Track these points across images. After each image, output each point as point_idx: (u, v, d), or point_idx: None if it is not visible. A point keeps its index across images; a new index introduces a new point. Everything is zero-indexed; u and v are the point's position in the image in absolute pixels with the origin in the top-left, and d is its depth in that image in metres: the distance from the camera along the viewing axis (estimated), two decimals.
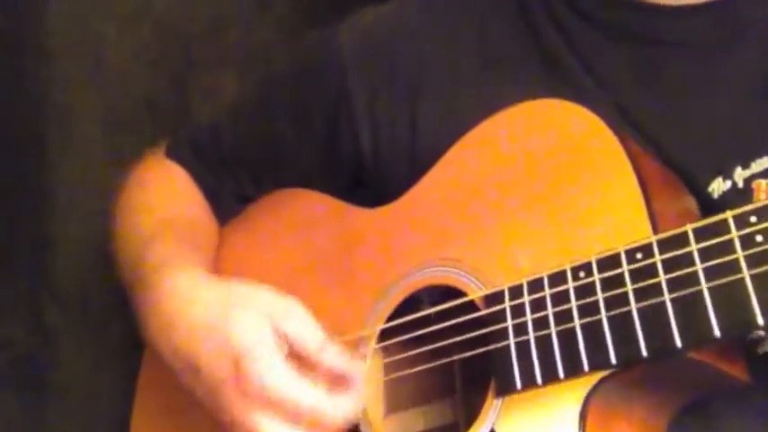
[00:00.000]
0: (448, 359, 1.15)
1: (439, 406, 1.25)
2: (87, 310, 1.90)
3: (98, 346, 1.89)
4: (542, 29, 1.25)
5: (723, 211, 0.99)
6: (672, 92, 1.17)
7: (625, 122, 1.17)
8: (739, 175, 1.11)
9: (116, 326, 1.87)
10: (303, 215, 1.38)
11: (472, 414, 1.10)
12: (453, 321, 1.13)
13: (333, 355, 1.10)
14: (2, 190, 1.87)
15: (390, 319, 1.21)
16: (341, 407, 1.09)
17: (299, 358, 1.10)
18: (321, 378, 1.09)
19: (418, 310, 1.19)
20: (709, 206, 1.11)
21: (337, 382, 1.10)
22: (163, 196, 1.46)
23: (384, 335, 1.21)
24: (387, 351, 1.23)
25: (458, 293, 1.14)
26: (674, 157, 1.14)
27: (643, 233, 1.00)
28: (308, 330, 1.10)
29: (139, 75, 1.95)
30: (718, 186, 1.12)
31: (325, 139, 1.38)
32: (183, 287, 1.20)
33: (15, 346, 1.86)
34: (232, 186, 1.47)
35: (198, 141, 1.50)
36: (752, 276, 0.91)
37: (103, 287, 1.87)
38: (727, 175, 1.12)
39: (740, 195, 1.11)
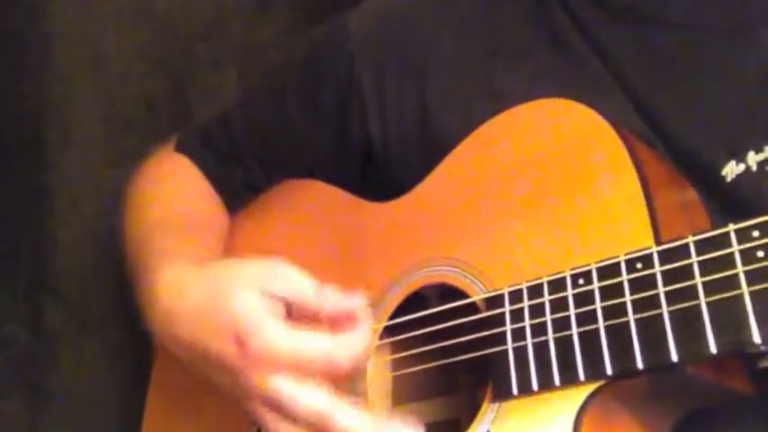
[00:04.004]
0: (451, 359, 1.15)
1: (444, 400, 1.25)
2: (87, 310, 1.89)
3: (98, 346, 1.89)
4: (554, 14, 1.25)
5: (737, 195, 1.01)
6: (683, 75, 1.17)
7: (635, 108, 1.17)
8: (752, 158, 1.10)
9: (116, 326, 1.87)
10: (313, 208, 1.39)
11: (474, 411, 1.10)
12: (454, 323, 1.13)
13: (332, 298, 1.09)
14: (2, 190, 1.87)
15: (396, 314, 1.21)
16: (352, 344, 1.07)
17: (296, 318, 1.09)
18: (324, 327, 1.08)
19: (424, 306, 1.19)
20: (723, 191, 1.11)
21: (341, 325, 1.09)
22: (171, 191, 1.46)
23: (390, 331, 1.22)
24: (395, 347, 1.24)
25: (461, 293, 1.14)
26: (686, 142, 1.14)
27: (644, 238, 0.99)
28: (298, 284, 1.10)
29: (139, 75, 1.95)
30: (731, 170, 1.11)
31: (335, 126, 1.38)
32: (175, 279, 1.20)
33: (15, 347, 1.86)
34: (242, 177, 1.47)
35: (207, 133, 1.50)
36: (751, 293, 0.89)
37: (103, 287, 1.87)
38: (741, 158, 1.11)
39: (755, 179, 1.10)
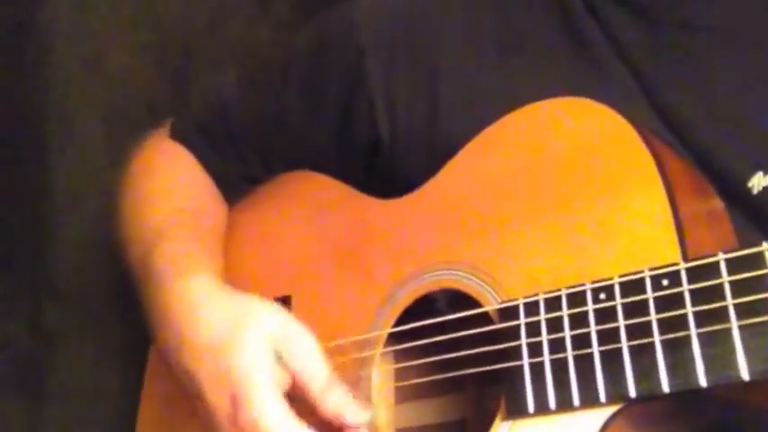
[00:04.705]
0: (460, 372, 1.12)
1: (449, 399, 1.24)
2: (87, 310, 1.89)
3: (98, 346, 1.89)
4: (571, 12, 1.22)
5: (764, 207, 0.98)
6: (707, 80, 1.14)
7: (657, 113, 1.14)
8: None
9: (116, 326, 1.87)
10: (316, 200, 1.36)
11: (480, 412, 1.09)
12: (465, 333, 1.10)
13: (336, 398, 1.08)
14: (2, 190, 1.86)
15: (401, 317, 1.18)
16: None
17: (302, 392, 1.08)
18: (322, 414, 1.07)
19: (432, 309, 1.16)
20: (749, 203, 1.08)
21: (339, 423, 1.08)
22: (169, 184, 1.43)
23: (394, 336, 1.19)
24: (399, 353, 1.21)
25: (472, 300, 1.11)
26: (709, 151, 1.11)
27: (670, 250, 0.96)
28: (313, 366, 1.08)
29: (139, 75, 1.94)
30: (758, 182, 1.09)
31: (338, 121, 1.35)
32: (191, 300, 1.17)
33: (15, 346, 1.86)
34: (240, 168, 1.45)
35: (204, 122, 1.47)
36: None
37: (103, 287, 1.87)
38: None
39: None
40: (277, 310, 1.12)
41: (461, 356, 1.11)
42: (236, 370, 1.07)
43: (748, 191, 1.09)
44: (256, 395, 1.06)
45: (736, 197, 1.09)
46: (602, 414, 0.96)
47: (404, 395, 1.23)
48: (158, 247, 1.29)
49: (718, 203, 1.06)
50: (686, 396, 0.93)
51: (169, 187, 1.43)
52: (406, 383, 1.21)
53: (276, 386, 1.07)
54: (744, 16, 1.15)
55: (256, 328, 1.10)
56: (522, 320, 1.04)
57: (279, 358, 1.08)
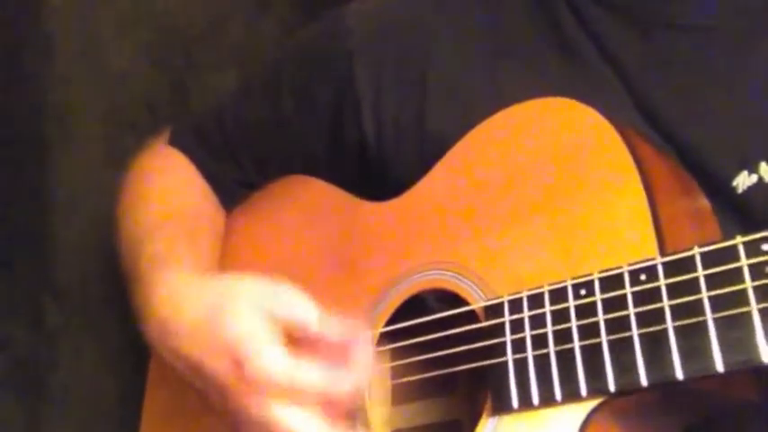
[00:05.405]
0: (449, 369, 1.14)
1: (443, 401, 1.24)
2: (87, 311, 1.89)
3: (98, 346, 1.89)
4: (559, 15, 1.23)
5: (748, 206, 0.99)
6: (693, 81, 1.14)
7: (644, 114, 1.15)
8: (765, 169, 1.08)
9: (116, 326, 1.87)
10: (310, 205, 1.38)
11: (474, 412, 1.09)
12: (452, 331, 1.12)
13: (333, 327, 1.09)
14: (2, 190, 1.86)
15: (393, 317, 1.20)
16: (351, 379, 1.07)
17: (296, 343, 1.08)
18: (323, 356, 1.08)
19: (423, 309, 1.17)
20: (734, 202, 1.09)
21: (341, 355, 1.08)
22: (164, 188, 1.45)
23: (387, 336, 1.20)
24: (393, 353, 1.22)
25: (460, 298, 1.13)
26: (694, 150, 1.11)
27: (649, 248, 0.97)
28: (301, 309, 1.09)
29: (139, 75, 1.94)
30: (742, 181, 1.09)
31: (329, 124, 1.37)
32: (174, 288, 1.20)
33: (15, 346, 1.86)
34: (236, 173, 1.46)
35: (201, 128, 1.49)
36: (760, 310, 0.87)
37: (104, 288, 1.87)
38: (753, 169, 1.09)
39: (767, 190, 1.08)
40: (255, 278, 1.14)
41: (451, 354, 1.13)
42: (231, 333, 1.09)
43: (733, 189, 1.10)
44: (259, 348, 1.07)
45: (721, 196, 1.09)
46: (583, 408, 0.97)
47: (399, 397, 1.24)
48: (146, 246, 1.31)
49: (703, 203, 1.07)
50: (668, 390, 0.94)
51: (165, 191, 1.45)
52: (400, 381, 1.22)
53: (275, 338, 1.08)
54: (729, 16, 1.16)
55: (241, 296, 1.11)
56: (507, 318, 1.06)
57: (270, 315, 1.09)
